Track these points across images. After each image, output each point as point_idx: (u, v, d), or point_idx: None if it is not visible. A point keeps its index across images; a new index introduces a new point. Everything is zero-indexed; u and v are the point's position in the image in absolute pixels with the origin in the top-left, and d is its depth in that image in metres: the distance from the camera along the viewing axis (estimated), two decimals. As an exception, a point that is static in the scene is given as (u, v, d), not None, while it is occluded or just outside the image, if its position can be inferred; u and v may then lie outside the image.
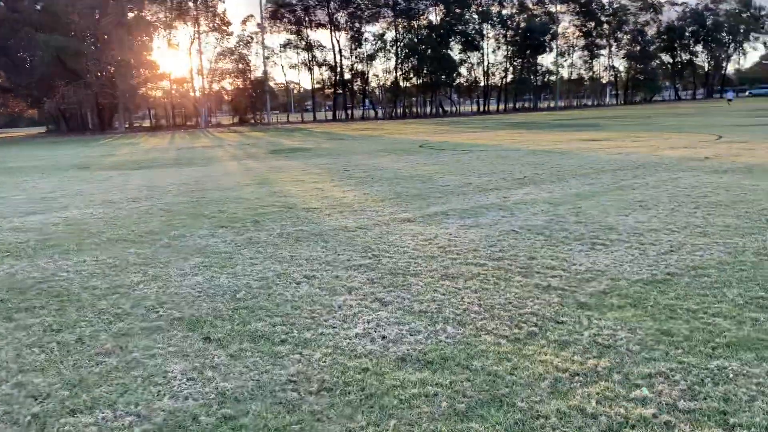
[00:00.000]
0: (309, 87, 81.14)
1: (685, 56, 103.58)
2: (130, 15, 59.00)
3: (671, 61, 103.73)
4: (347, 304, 4.42)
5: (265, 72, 69.68)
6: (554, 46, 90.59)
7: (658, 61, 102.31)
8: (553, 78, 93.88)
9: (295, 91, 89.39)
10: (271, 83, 77.79)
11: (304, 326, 4.01)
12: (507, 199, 9.04)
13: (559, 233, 6.55)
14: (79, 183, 13.60)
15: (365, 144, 24.14)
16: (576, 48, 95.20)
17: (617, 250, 5.71)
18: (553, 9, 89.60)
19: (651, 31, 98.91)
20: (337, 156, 18.41)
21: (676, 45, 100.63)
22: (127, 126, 62.82)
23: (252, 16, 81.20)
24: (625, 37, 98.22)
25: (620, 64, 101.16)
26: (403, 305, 4.36)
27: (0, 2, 53.69)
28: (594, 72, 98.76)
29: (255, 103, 70.10)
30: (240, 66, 69.69)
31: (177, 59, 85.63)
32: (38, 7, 54.56)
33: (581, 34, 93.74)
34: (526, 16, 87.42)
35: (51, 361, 3.62)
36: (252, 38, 70.41)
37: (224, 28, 68.08)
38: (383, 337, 3.76)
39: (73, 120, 67.40)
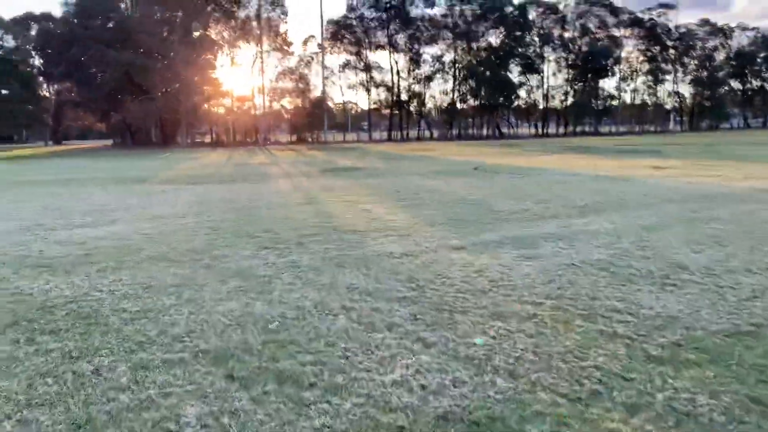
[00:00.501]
0: (366, 107, 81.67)
1: (756, 83, 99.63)
2: (196, 33, 60.88)
3: (741, 87, 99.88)
4: (385, 344, 4.01)
5: (323, 92, 70.61)
6: (617, 71, 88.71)
7: (726, 88, 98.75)
8: (615, 103, 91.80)
9: (353, 111, 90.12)
10: (330, 103, 78.80)
11: (336, 368, 3.62)
12: (566, 228, 8.47)
13: (625, 270, 5.97)
14: (133, 197, 13.70)
15: (419, 165, 23.79)
16: (640, 73, 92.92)
17: (691, 293, 5.11)
18: (617, 33, 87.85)
19: (720, 56, 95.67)
20: (389, 176, 18.10)
21: (746, 71, 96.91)
22: (189, 141, 64.49)
23: (313, 36, 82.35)
24: (692, 62, 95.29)
25: (686, 90, 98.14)
26: (448, 348, 3.92)
27: (74, 20, 56.16)
28: (658, 97, 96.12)
29: (313, 122, 70.92)
30: (300, 85, 70.80)
31: (239, 77, 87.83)
32: (110, 25, 56.81)
33: (645, 58, 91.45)
34: (588, 39, 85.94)
35: (62, 394, 3.34)
36: (312, 58, 71.56)
37: (286, 48, 69.42)
38: (423, 387, 3.33)
39: (139, 134, 69.78)
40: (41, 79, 78.82)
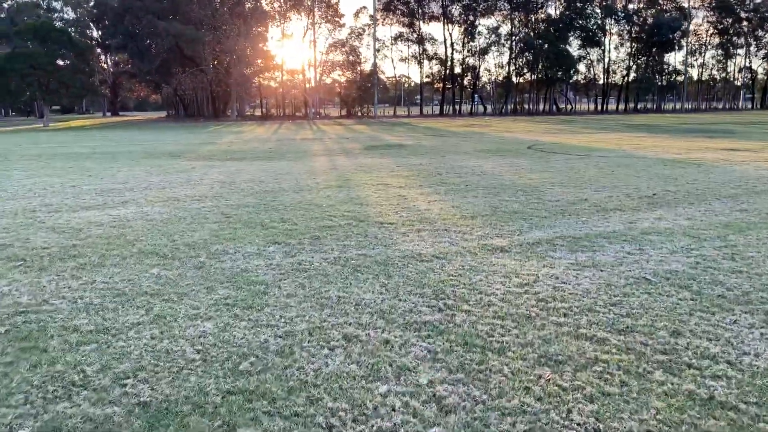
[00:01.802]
0: (418, 81, 79.88)
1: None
2: (247, 5, 60.21)
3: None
4: (389, 403, 2.92)
5: (374, 64, 69.09)
6: (684, 44, 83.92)
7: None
8: (680, 78, 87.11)
9: (405, 85, 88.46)
10: (381, 76, 77.29)
11: (309, 449, 2.55)
12: (633, 225, 7.15)
13: (712, 289, 4.69)
14: (158, 174, 12.93)
15: (468, 142, 22.40)
16: (709, 47, 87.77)
17: (810, 330, 3.83)
18: (685, 4, 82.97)
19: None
20: (433, 155, 16.86)
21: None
22: (238, 114, 64.32)
23: (365, 7, 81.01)
24: (767, 35, 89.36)
25: (759, 65, 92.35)
26: (474, 416, 2.80)
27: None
28: (728, 73, 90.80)
29: (363, 96, 69.67)
30: (351, 58, 69.48)
31: (290, 50, 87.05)
32: (162, -4, 56.75)
33: (716, 31, 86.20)
34: (654, 10, 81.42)
35: None
36: (364, 30, 70.05)
37: (337, 19, 68.09)
38: (427, 501, 2.24)
39: (190, 106, 70.21)
40: (99, 50, 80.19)
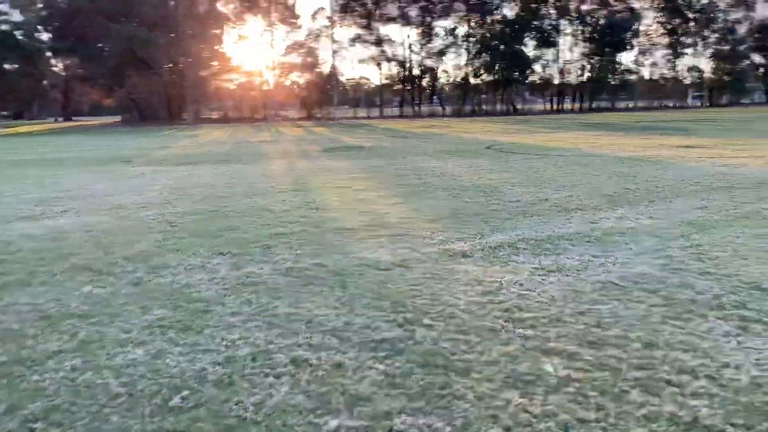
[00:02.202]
0: (378, 82, 79.66)
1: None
2: (202, 7, 59.09)
3: (763, 61, 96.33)
4: (339, 441, 2.57)
5: (333, 66, 68.69)
6: (635, 44, 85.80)
7: (748, 62, 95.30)
8: (632, 77, 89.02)
9: (365, 87, 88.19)
10: (340, 78, 76.84)
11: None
12: (596, 225, 6.95)
13: (683, 293, 4.47)
14: (105, 180, 12.30)
15: (428, 143, 22.19)
16: (659, 46, 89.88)
17: (788, 337, 3.62)
18: (635, 5, 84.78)
19: (742, 29, 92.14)
20: (393, 157, 16.57)
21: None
22: (195, 117, 63.05)
23: (322, 9, 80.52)
24: (713, 35, 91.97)
25: (707, 65, 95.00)
26: (435, 455, 2.47)
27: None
28: (677, 72, 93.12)
29: (322, 97, 69.16)
30: (309, 60, 68.94)
31: (247, 52, 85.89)
32: (112, -2, 55.23)
33: (665, 31, 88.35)
34: (606, 12, 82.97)
35: None
36: (321, 32, 69.57)
37: (294, 21, 67.47)
38: None
39: (145, 110, 68.50)
40: (50, 54, 77.61)
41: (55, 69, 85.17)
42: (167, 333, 3.83)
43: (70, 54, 67.13)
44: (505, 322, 3.94)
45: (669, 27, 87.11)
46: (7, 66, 50.75)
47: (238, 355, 3.48)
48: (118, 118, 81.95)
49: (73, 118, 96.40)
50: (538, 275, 5.01)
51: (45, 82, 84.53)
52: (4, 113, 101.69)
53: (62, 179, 12.64)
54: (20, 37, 78.80)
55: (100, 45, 58.48)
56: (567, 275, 5.01)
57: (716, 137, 22.03)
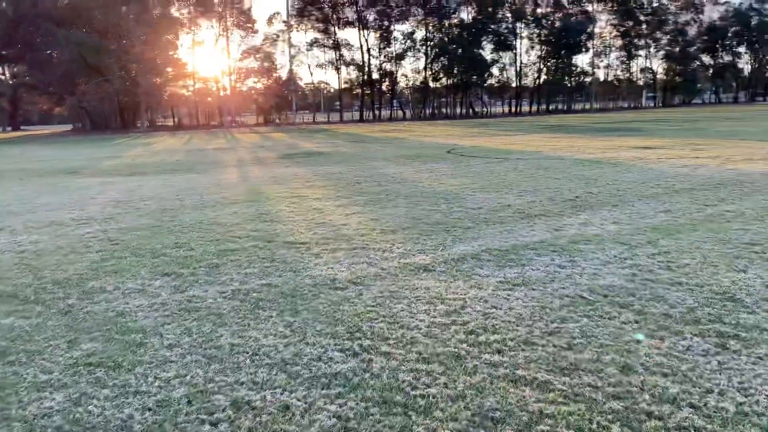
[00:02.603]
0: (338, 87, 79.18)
1: (728, 58, 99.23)
2: (155, 12, 57.77)
3: (712, 62, 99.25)
4: (282, 508, 2.20)
5: (290, 71, 67.98)
6: (590, 46, 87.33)
7: (698, 63, 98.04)
8: (588, 79, 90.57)
9: (325, 92, 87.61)
10: (299, 82, 76.15)
11: None
12: (560, 233, 6.72)
13: (655, 306, 4.23)
14: (48, 194, 11.63)
15: (388, 148, 21.91)
16: (613, 48, 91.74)
17: (766, 354, 3.39)
18: (589, 8, 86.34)
19: (692, 31, 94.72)
20: (353, 163, 16.21)
21: (717, 46, 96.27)
22: (149, 125, 61.58)
23: (278, 13, 79.85)
24: (664, 37, 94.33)
25: (659, 66, 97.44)
26: None
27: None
28: (631, 73, 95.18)
29: (280, 103, 68.35)
30: (265, 65, 68.08)
31: (202, 58, 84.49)
32: (59, 3, 53.47)
33: (618, 33, 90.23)
34: (561, 14, 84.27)
35: None
36: (278, 36, 68.81)
37: (249, 25, 66.55)
38: None
39: (98, 119, 66.60)
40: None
41: (1, 77, 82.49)
42: (94, 372, 3.40)
43: (17, 61, 64.88)
44: (470, 346, 3.62)
45: (622, 29, 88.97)
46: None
47: (172, 397, 3.08)
48: (68, 127, 79.66)
49: (22, 128, 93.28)
50: (504, 290, 4.73)
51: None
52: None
53: (1, 194, 11.91)
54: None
55: (49, 52, 56.67)
56: (533, 289, 4.74)
57: (673, 137, 22.30)
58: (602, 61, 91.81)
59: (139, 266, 5.75)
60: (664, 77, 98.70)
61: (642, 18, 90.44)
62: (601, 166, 13.19)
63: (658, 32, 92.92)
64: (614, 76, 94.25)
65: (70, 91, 55.87)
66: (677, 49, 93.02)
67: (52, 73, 55.79)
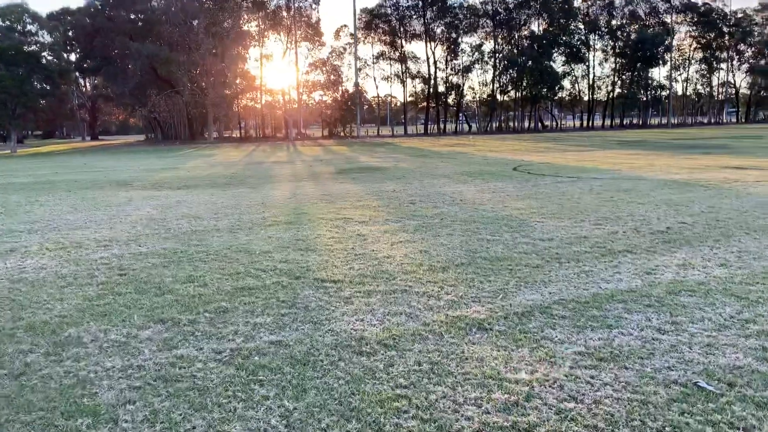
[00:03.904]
0: (403, 100, 78.58)
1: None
2: (225, 24, 58.68)
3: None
4: None
5: (356, 84, 67.70)
6: (668, 59, 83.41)
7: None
8: (664, 93, 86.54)
9: (392, 105, 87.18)
10: (366, 96, 75.98)
11: None
12: (653, 278, 5.38)
13: (814, 412, 2.90)
14: (84, 209, 11.05)
15: (450, 164, 20.69)
16: (692, 61, 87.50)
17: None
18: (668, 19, 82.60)
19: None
20: (410, 180, 15.10)
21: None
22: (216, 136, 62.51)
23: (345, 26, 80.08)
24: (749, 49, 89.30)
25: (742, 80, 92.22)
26: None
27: (101, 11, 54.48)
28: (712, 87, 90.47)
29: (345, 115, 68.14)
30: (332, 77, 68.11)
31: (269, 70, 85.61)
32: (132, 17, 55.04)
33: (699, 46, 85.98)
34: (637, 26, 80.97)
35: None
36: (345, 49, 68.79)
37: (317, 38, 66.81)
38: None
39: (168, 129, 68.26)
40: (78, 74, 78.06)
41: (83, 89, 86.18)
42: (-7, 492, 2.39)
43: (95, 73, 67.38)
44: (539, 477, 2.42)
45: (703, 41, 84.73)
46: (32, 86, 50.41)
47: None
48: (142, 137, 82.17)
49: (100, 138, 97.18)
50: (585, 368, 3.48)
51: (76, 101, 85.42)
52: (38, 133, 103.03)
53: (39, 207, 11.43)
54: (50, 58, 79.86)
55: (122, 64, 58.40)
56: (626, 368, 3.48)
57: (766, 156, 20.13)
58: (680, 74, 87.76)
59: (135, 307, 4.80)
60: (748, 92, 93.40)
61: (725, 29, 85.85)
62: (691, 189, 11.58)
63: (742, 44, 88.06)
64: (693, 90, 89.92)
65: (142, 102, 57.34)
66: (763, 62, 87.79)
67: (126, 84, 57.38)
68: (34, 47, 77.11)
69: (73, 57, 76.88)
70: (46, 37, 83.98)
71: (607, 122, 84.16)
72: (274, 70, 76.42)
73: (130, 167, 23.84)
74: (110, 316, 4.61)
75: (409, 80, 74.56)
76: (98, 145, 60.54)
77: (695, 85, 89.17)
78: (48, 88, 51.90)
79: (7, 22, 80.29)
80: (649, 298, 4.80)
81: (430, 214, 9.33)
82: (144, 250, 7.07)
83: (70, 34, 70.00)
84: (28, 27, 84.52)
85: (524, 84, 74.47)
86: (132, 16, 55.91)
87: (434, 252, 6.62)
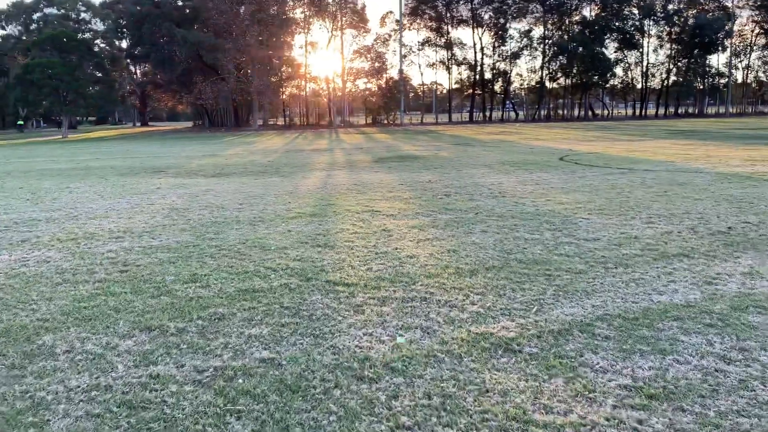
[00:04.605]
0: (448, 87, 77.35)
1: None
2: (271, 10, 58.55)
3: None
4: None
5: (401, 71, 66.84)
6: (728, 45, 79.59)
7: None
8: (723, 81, 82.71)
9: (438, 92, 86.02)
10: (413, 83, 75.11)
11: None
12: (714, 289, 4.64)
13: None
14: (110, 197, 10.80)
15: (493, 153, 19.88)
16: (754, 47, 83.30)
17: None
18: (728, 3, 78.72)
19: None
20: (448, 169, 14.42)
21: None
22: (261, 123, 62.71)
23: (391, 12, 79.13)
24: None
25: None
26: None
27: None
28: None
29: (389, 103, 67.35)
30: (376, 65, 67.33)
31: (314, 57, 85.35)
32: (180, 3, 55.40)
33: (762, 31, 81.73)
34: (695, 10, 77.44)
35: None
36: (390, 36, 67.93)
37: (362, 25, 66.09)
38: None
39: (214, 116, 68.92)
40: (129, 61, 79.58)
41: (134, 75, 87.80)
42: None
43: (144, 60, 68.38)
44: None
45: (766, 26, 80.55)
46: (81, 72, 51.33)
47: None
48: (190, 124, 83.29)
49: (151, 123, 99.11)
50: (632, 409, 2.84)
51: (129, 87, 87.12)
52: (92, 119, 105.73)
53: (67, 194, 11.23)
54: (102, 45, 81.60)
55: (169, 51, 58.92)
56: (684, 410, 2.82)
57: (837, 148, 18.66)
58: (741, 61, 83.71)
59: (125, 311, 4.35)
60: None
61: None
62: (754, 184, 10.58)
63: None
64: (754, 77, 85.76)
65: (189, 89, 57.85)
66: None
67: (173, 71, 57.99)
68: (87, 35, 79.03)
69: (124, 44, 78.58)
70: (99, 25, 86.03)
71: (661, 111, 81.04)
72: (320, 57, 76.21)
73: (171, 154, 23.80)
74: (95, 321, 4.16)
75: (454, 67, 73.27)
76: (146, 131, 61.56)
77: (757, 72, 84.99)
78: (99, 74, 52.72)
79: (62, 11, 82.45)
80: (710, 315, 4.09)
81: (464, 208, 8.68)
82: (156, 243, 6.66)
83: (121, 21, 71.31)
84: (82, 15, 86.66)
85: (574, 71, 72.17)
86: (180, 3, 56.28)
87: (463, 252, 5.99)
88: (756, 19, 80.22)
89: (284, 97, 68.62)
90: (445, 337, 3.77)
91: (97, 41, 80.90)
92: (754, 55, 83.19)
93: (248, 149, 26.28)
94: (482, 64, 72.25)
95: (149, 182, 13.06)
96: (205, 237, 6.97)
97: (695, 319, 4.03)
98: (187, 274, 5.30)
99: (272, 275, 5.22)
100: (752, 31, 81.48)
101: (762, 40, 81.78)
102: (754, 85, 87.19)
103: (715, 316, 4.09)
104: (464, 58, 72.63)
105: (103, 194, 11.14)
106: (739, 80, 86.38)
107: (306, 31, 64.41)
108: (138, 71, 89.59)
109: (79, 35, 66.76)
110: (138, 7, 54.55)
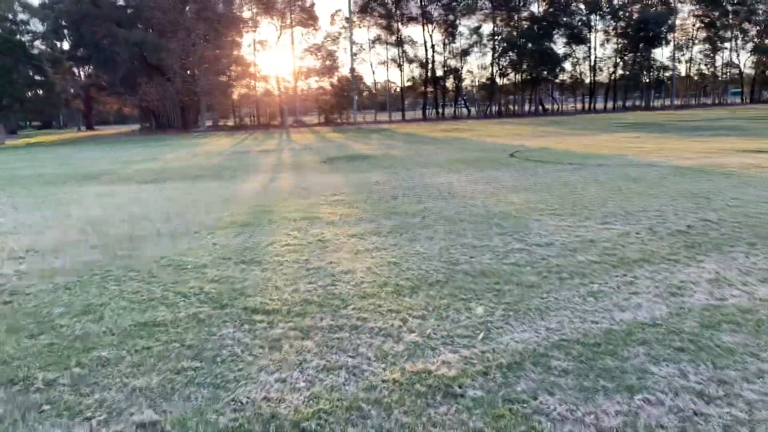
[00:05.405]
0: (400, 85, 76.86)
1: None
2: (216, 10, 57.02)
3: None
4: None
5: (352, 69, 66.03)
6: (671, 39, 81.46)
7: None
8: (668, 74, 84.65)
9: (392, 91, 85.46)
10: (365, 81, 74.38)
11: None
12: (681, 302, 4.12)
13: None
14: (24, 210, 9.81)
15: (444, 150, 19.36)
16: (696, 41, 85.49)
17: None
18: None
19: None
20: (398, 169, 13.80)
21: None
22: (210, 125, 61.08)
23: (340, 10, 78.23)
24: (753, 28, 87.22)
25: (746, 59, 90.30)
26: None
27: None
28: (716, 68, 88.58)
29: (341, 102, 66.51)
30: (327, 63, 66.40)
31: (263, 57, 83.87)
32: (121, 3, 53.43)
33: (702, 25, 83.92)
34: (640, 5, 78.93)
35: None
36: (340, 34, 67.09)
37: (311, 23, 65.07)
38: None
39: (161, 118, 66.83)
40: (71, 63, 76.49)
41: (77, 78, 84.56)
42: None
43: (86, 62, 65.89)
44: None
45: (707, 20, 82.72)
46: (17, 75, 48.90)
47: None
48: (137, 127, 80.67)
49: (96, 127, 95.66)
50: (599, 479, 2.23)
51: (72, 90, 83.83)
52: (36, 123, 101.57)
53: (-21, 207, 10.18)
54: (42, 47, 78.22)
55: (111, 52, 56.75)
56: (662, 476, 2.22)
57: (782, 138, 18.77)
58: (684, 54, 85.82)
59: (-14, 359, 3.56)
60: (752, 72, 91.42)
61: (729, 8, 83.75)
62: (709, 178, 10.28)
63: (747, 23, 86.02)
64: (697, 70, 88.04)
65: (132, 91, 55.85)
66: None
67: (116, 73, 55.92)
68: (27, 36, 75.63)
69: (66, 46, 75.46)
70: (38, 26, 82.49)
71: (610, 104, 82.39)
72: (270, 56, 74.67)
73: (109, 159, 22.55)
74: (-55, 374, 3.37)
75: (406, 65, 72.85)
76: (90, 136, 59.20)
77: (699, 65, 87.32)
78: (38, 78, 50.34)
79: (-4, 12, 78.76)
80: (679, 336, 3.55)
81: (411, 212, 8.06)
82: (57, 265, 5.82)
83: (61, 22, 68.42)
84: (20, 16, 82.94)
85: (524, 67, 72.69)
86: (120, 2, 54.22)
87: (405, 264, 5.35)
88: (697, 13, 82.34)
89: (235, 97, 67.03)
90: (374, 380, 3.12)
91: (36, 42, 77.58)
92: (696, 48, 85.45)
93: (192, 152, 25.19)
94: (433, 62, 72.09)
95: (75, 191, 12.05)
96: (116, 255, 6.16)
97: (663, 342, 3.49)
98: (80, 305, 4.52)
99: (181, 303, 4.49)
100: (693, 26, 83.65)
101: (703, 34, 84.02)
102: (696, 77, 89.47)
103: (685, 336, 3.56)
104: (415, 56, 72.34)
105: (18, 206, 10.13)
106: (683, 73, 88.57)
107: (255, 29, 63.06)
108: (82, 74, 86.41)
109: (17, 36, 63.70)
110: (74, 7, 52.25)
